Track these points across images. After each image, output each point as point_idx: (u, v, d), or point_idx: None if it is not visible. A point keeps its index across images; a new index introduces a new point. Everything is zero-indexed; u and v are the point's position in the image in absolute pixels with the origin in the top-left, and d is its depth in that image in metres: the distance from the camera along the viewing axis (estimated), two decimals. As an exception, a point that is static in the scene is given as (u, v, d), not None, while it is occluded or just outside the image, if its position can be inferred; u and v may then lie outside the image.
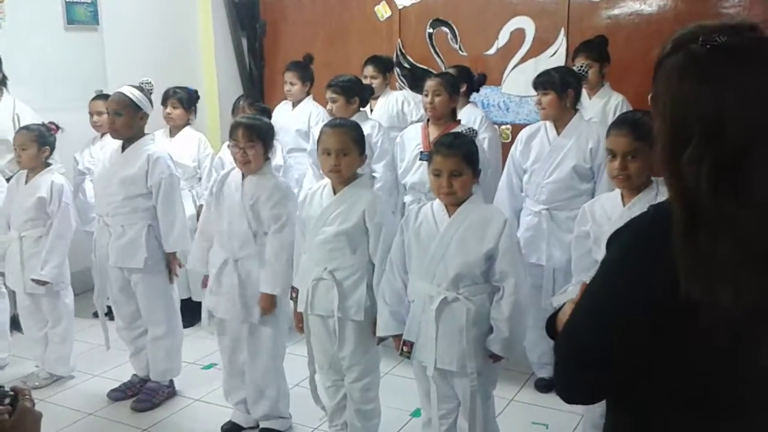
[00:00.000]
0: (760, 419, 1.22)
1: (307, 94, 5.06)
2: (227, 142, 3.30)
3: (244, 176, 3.16)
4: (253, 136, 3.09)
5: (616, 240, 1.29)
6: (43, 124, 3.96)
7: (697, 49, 1.15)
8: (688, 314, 1.14)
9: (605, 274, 1.29)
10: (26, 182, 3.84)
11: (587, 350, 1.28)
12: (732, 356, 1.17)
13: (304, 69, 5.07)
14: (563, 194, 3.61)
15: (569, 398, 1.36)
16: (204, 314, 3.45)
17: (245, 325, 3.20)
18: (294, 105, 5.05)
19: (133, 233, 3.53)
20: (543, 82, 3.61)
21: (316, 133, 4.85)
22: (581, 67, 3.98)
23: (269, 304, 3.14)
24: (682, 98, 1.16)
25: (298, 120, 4.96)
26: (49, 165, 3.87)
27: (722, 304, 1.10)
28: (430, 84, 3.84)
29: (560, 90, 3.57)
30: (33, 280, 3.76)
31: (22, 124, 4.18)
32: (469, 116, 4.40)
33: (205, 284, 3.37)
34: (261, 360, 3.24)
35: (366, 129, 3.96)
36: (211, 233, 3.28)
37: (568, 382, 1.35)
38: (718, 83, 1.13)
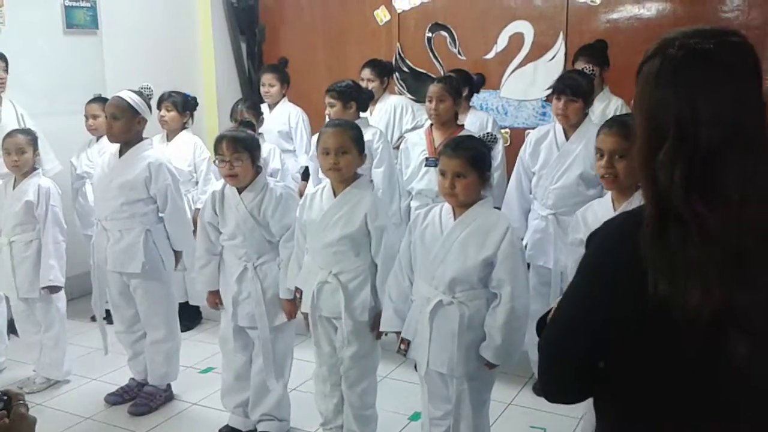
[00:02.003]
0: (743, 425, 1.23)
1: (283, 95, 5.11)
2: None
3: (240, 191, 3.14)
4: (239, 148, 3.04)
5: (590, 242, 1.32)
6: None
7: (674, 53, 1.18)
8: (657, 316, 1.16)
9: (578, 277, 1.32)
10: (14, 187, 3.83)
11: (564, 352, 1.34)
12: (703, 358, 1.18)
13: (281, 71, 5.12)
14: (570, 200, 3.59)
15: (551, 397, 1.41)
16: (226, 326, 3.33)
17: (265, 328, 3.18)
18: (271, 107, 5.07)
19: (131, 238, 3.52)
20: (573, 87, 3.52)
21: (302, 134, 4.89)
22: (590, 70, 3.96)
23: (292, 308, 3.15)
24: (658, 101, 1.19)
25: (278, 121, 4.98)
26: (36, 169, 3.86)
27: (690, 305, 1.12)
28: (433, 90, 3.82)
29: (587, 98, 3.54)
30: (44, 287, 3.76)
31: (26, 125, 4.19)
32: (477, 120, 4.40)
33: (213, 302, 3.34)
34: (273, 361, 3.23)
35: (367, 135, 3.95)
36: (217, 250, 3.27)
37: (549, 382, 1.40)
38: (692, 87, 1.15)
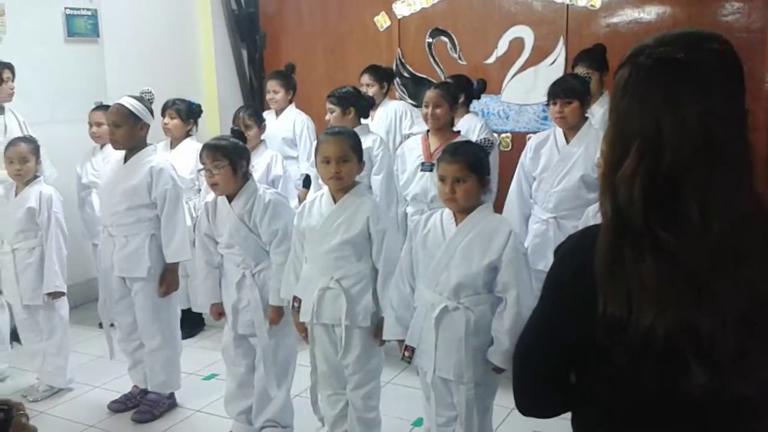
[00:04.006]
0: None
1: (290, 102, 5.09)
2: None
3: (230, 199, 3.14)
4: (218, 155, 3.05)
5: (555, 254, 1.28)
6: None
7: (643, 62, 1.12)
8: (611, 335, 1.11)
9: (543, 290, 1.29)
10: (16, 194, 3.84)
11: (533, 364, 1.30)
12: (662, 382, 1.12)
13: (286, 77, 5.10)
14: (571, 203, 3.62)
15: (523, 410, 1.36)
16: (228, 334, 3.34)
17: (264, 336, 3.18)
18: (277, 114, 5.07)
19: (137, 243, 3.53)
20: (565, 90, 3.59)
21: (306, 141, 4.87)
22: (586, 75, 3.98)
23: (278, 315, 3.16)
24: (625, 112, 1.13)
25: (282, 128, 4.98)
26: (37, 177, 3.88)
27: (643, 325, 1.07)
28: (430, 96, 3.84)
29: (583, 98, 3.59)
30: (48, 294, 3.77)
31: (28, 132, 4.20)
32: (468, 125, 4.40)
33: (216, 314, 3.35)
34: (276, 368, 3.24)
35: (367, 142, 3.97)
36: (216, 261, 3.28)
37: (521, 394, 1.35)
38: (658, 100, 1.09)
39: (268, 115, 4.98)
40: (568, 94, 3.57)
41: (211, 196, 3.28)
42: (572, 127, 3.64)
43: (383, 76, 5.00)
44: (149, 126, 3.59)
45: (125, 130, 3.48)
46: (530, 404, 1.36)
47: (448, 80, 4.54)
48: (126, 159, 3.56)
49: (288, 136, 4.97)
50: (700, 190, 1.06)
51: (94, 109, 4.68)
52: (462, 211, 2.57)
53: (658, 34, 1.15)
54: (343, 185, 2.86)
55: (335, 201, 2.89)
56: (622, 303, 1.08)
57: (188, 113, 4.61)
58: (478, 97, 4.79)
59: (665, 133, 1.07)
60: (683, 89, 1.08)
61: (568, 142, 3.66)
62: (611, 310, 1.09)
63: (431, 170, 3.78)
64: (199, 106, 4.73)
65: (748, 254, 1.07)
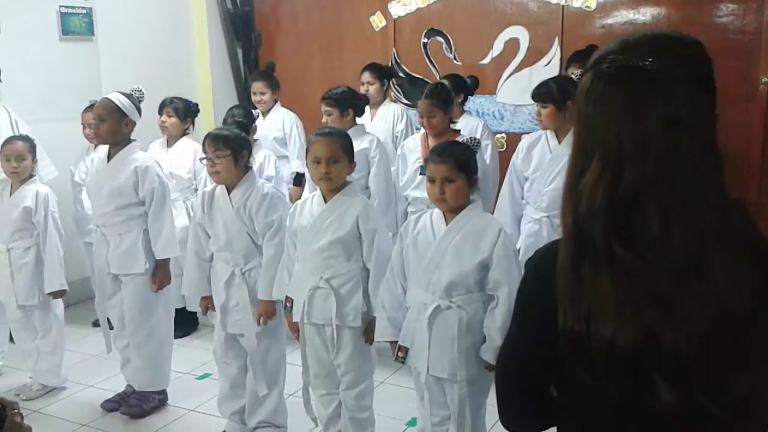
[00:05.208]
0: None
1: (275, 101, 5.09)
2: None
3: (229, 190, 3.15)
4: (219, 144, 3.07)
5: (526, 266, 1.26)
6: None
7: (605, 70, 1.07)
8: (574, 350, 1.08)
9: (514, 305, 1.28)
10: (11, 194, 3.83)
11: (512, 376, 1.28)
12: (622, 394, 1.08)
13: (271, 77, 5.10)
14: None
15: (506, 422, 1.32)
16: (218, 334, 3.33)
17: (252, 337, 3.17)
18: (264, 114, 5.07)
19: (131, 241, 3.53)
20: (541, 94, 3.64)
21: (295, 140, 4.87)
22: (579, 76, 3.99)
23: (269, 310, 3.15)
24: (587, 120, 1.09)
25: (272, 128, 4.98)
26: (32, 176, 3.86)
27: (603, 342, 1.04)
28: (422, 107, 3.80)
29: (559, 102, 3.59)
30: (50, 293, 3.77)
31: (20, 131, 4.19)
32: (468, 125, 4.40)
33: (205, 307, 3.35)
34: (266, 368, 3.23)
35: (364, 143, 3.97)
36: (206, 255, 3.28)
37: (504, 410, 1.31)
38: (618, 110, 1.04)
39: (255, 116, 4.98)
40: (544, 98, 3.63)
41: (211, 186, 3.28)
42: (558, 129, 3.66)
43: (384, 73, 4.99)
44: (135, 123, 3.57)
45: (110, 124, 3.47)
46: (513, 420, 1.33)
47: (443, 81, 4.52)
48: (109, 156, 3.55)
49: (278, 135, 4.98)
50: (661, 203, 1.02)
51: (85, 110, 4.66)
52: (451, 211, 2.58)
53: (623, 38, 1.10)
54: (333, 186, 2.87)
55: (326, 201, 2.90)
56: (582, 318, 1.05)
57: (186, 112, 4.59)
58: (472, 94, 4.79)
59: (627, 143, 1.03)
60: (646, 99, 1.03)
61: (559, 142, 3.69)
62: (571, 324, 1.07)
63: (427, 169, 3.79)
64: (196, 105, 4.71)
65: (712, 268, 1.02)
